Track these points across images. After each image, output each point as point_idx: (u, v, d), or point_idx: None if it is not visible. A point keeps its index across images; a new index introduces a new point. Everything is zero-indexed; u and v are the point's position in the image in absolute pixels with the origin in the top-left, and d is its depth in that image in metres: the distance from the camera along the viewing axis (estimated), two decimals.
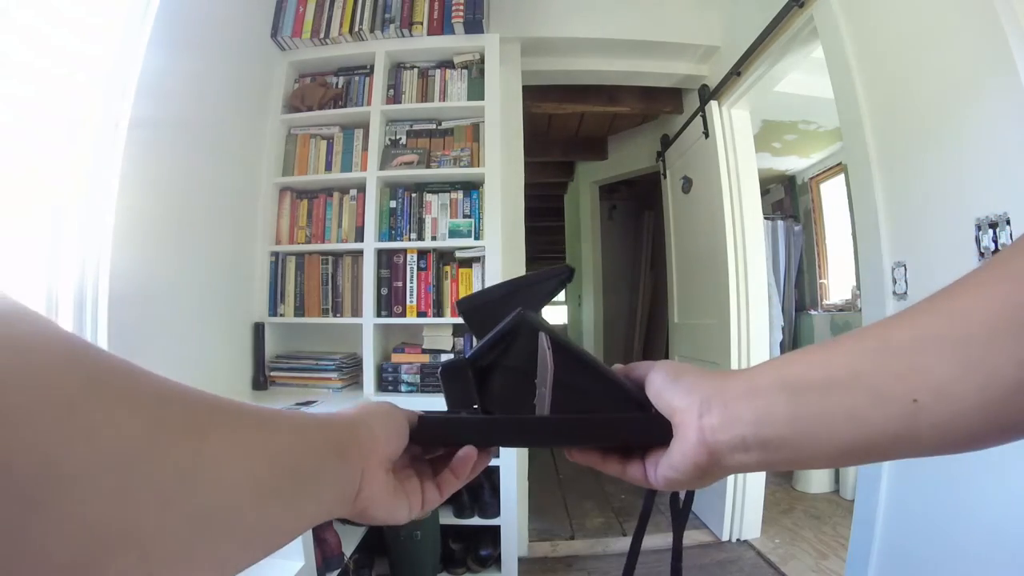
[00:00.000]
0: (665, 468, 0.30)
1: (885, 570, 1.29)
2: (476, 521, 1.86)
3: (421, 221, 1.91)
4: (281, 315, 1.89)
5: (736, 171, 2.26)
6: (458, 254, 1.87)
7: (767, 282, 2.41)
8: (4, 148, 1.01)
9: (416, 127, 2.01)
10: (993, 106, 1.03)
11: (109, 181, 1.15)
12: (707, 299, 2.45)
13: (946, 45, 1.13)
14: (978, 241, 1.05)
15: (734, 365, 2.19)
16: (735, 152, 2.28)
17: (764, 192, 3.20)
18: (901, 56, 1.26)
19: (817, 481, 2.71)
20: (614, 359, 2.36)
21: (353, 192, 1.94)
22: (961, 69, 1.10)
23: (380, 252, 1.88)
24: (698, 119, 2.42)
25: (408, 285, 1.86)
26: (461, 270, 1.85)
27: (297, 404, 1.59)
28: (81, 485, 0.15)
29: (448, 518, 1.86)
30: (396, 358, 1.88)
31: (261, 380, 1.78)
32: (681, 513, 0.39)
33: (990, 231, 1.02)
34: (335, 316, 1.89)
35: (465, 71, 1.99)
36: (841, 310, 3.28)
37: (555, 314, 8.85)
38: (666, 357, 3.05)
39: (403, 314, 1.85)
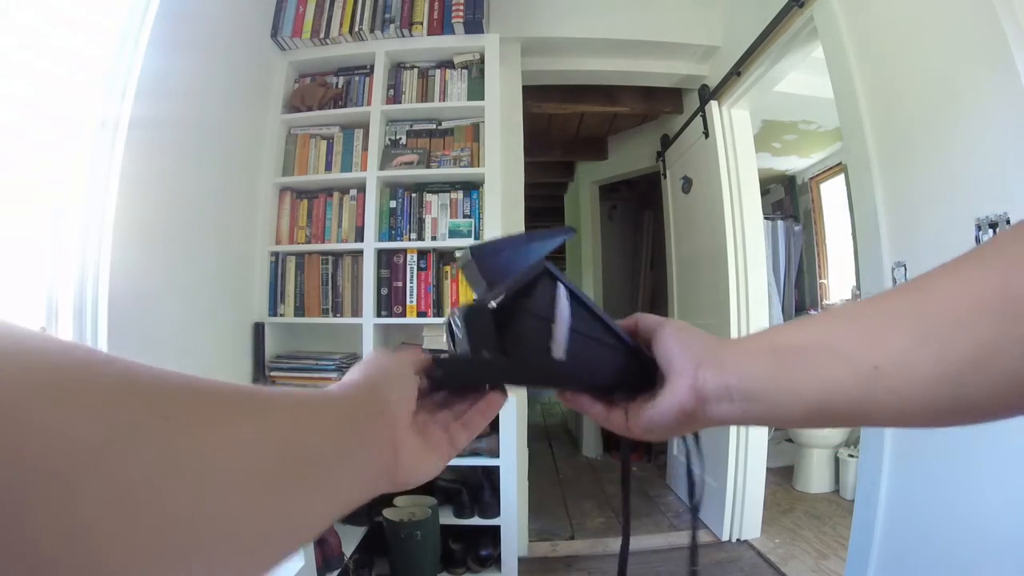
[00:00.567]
0: (650, 411, 0.33)
1: (885, 570, 1.29)
2: (476, 521, 1.86)
3: (421, 221, 1.91)
4: (281, 315, 1.89)
5: (736, 171, 2.26)
6: (458, 254, 1.87)
7: (767, 282, 2.41)
8: (4, 148, 1.01)
9: (416, 127, 2.01)
10: (993, 106, 1.03)
11: (109, 181, 1.15)
12: (707, 299, 2.45)
13: (946, 45, 1.13)
14: (978, 241, 1.05)
15: None
16: (735, 152, 2.28)
17: (764, 192, 3.20)
18: (901, 56, 1.26)
19: (817, 481, 2.71)
20: None
21: (353, 192, 1.94)
22: (961, 69, 1.10)
23: (380, 252, 1.88)
24: (698, 119, 2.42)
25: (408, 285, 1.86)
26: (461, 270, 1.85)
27: None
28: (15, 501, 0.13)
29: (448, 518, 1.86)
30: None
31: (261, 380, 1.78)
32: (692, 509, 0.41)
33: (990, 231, 1.02)
34: (335, 316, 1.89)
35: (465, 71, 1.99)
36: None
37: None
38: None
39: (403, 314, 1.85)
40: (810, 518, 2.41)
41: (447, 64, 2.02)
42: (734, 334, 2.19)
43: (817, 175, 3.55)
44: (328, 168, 1.95)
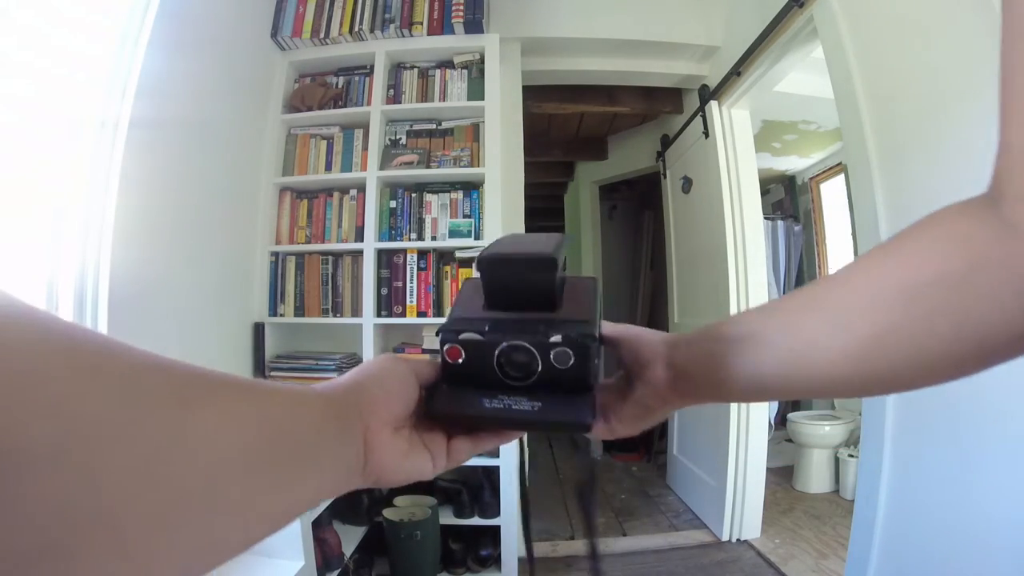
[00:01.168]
0: (632, 407, 0.36)
1: (885, 570, 1.29)
2: (476, 521, 1.86)
3: (421, 221, 1.91)
4: (281, 315, 1.89)
5: (736, 171, 2.26)
6: (458, 254, 1.87)
7: (767, 282, 2.41)
8: (4, 148, 1.01)
9: (416, 127, 2.01)
10: (993, 106, 1.03)
11: (109, 181, 1.15)
12: (707, 299, 2.45)
13: (946, 44, 1.13)
14: None
15: None
16: (735, 152, 2.27)
17: (764, 192, 3.20)
18: (901, 56, 1.26)
19: (817, 481, 2.71)
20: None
21: (353, 192, 1.94)
22: (961, 68, 1.10)
23: (380, 252, 1.88)
24: (698, 119, 2.41)
25: (408, 285, 1.86)
26: (461, 270, 1.85)
27: None
28: (43, 463, 0.14)
29: (448, 518, 1.86)
30: None
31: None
32: (588, 504, 0.40)
33: None
34: (335, 316, 1.89)
35: (465, 71, 1.99)
36: None
37: None
38: None
39: (403, 314, 1.85)
40: (810, 518, 2.41)
41: (447, 64, 2.02)
42: None
43: (817, 175, 3.55)
44: (328, 168, 1.95)
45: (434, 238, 1.89)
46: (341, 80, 2.04)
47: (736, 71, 2.06)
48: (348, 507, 1.86)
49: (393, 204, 1.92)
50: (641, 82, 2.59)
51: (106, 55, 1.18)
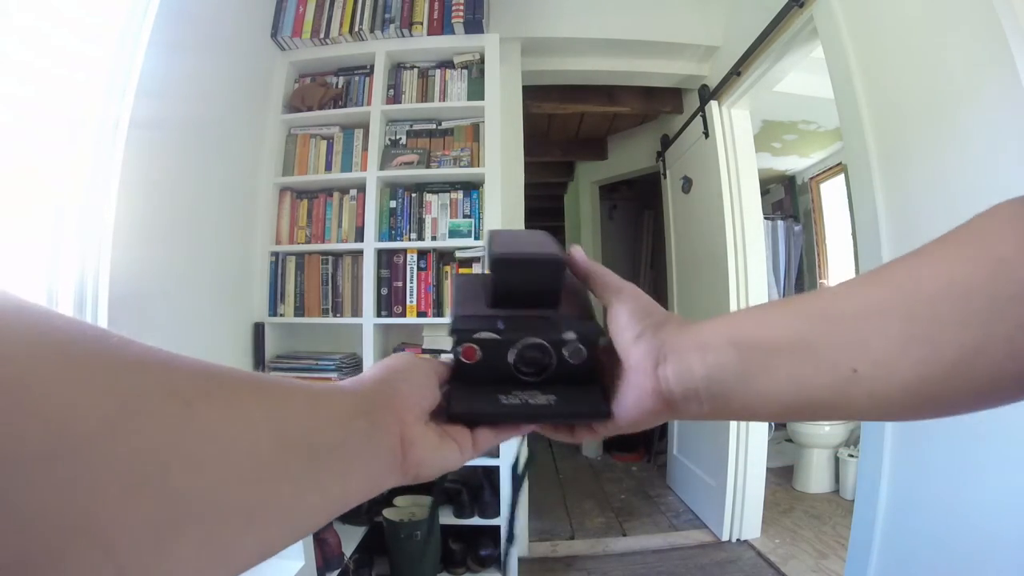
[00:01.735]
0: (616, 414, 0.31)
1: (885, 570, 1.29)
2: (476, 521, 1.86)
3: (421, 221, 1.91)
4: (281, 315, 1.89)
5: (736, 171, 2.26)
6: (458, 254, 1.87)
7: (767, 282, 2.41)
8: (4, 148, 1.01)
9: (416, 127, 2.01)
10: (993, 105, 1.03)
11: (109, 181, 1.15)
12: (707, 299, 2.45)
13: (946, 45, 1.13)
14: None
15: None
16: (735, 152, 2.28)
17: (764, 192, 3.20)
18: (901, 56, 1.26)
19: (817, 481, 2.71)
20: None
21: (353, 192, 1.94)
22: (961, 69, 1.10)
23: (380, 252, 1.88)
24: (698, 119, 2.41)
25: (408, 285, 1.86)
26: (461, 270, 1.85)
27: None
28: (29, 472, 0.13)
29: (448, 518, 1.86)
30: None
31: None
32: (517, 481, 0.40)
33: None
34: (335, 316, 1.89)
35: (465, 71, 1.99)
36: None
37: None
38: None
39: (403, 314, 1.85)
40: (810, 518, 2.41)
41: (447, 64, 2.02)
42: None
43: (817, 175, 3.55)
44: (328, 168, 1.95)
45: (434, 238, 1.89)
46: (341, 80, 2.04)
47: (736, 71, 2.06)
48: None
49: (393, 204, 1.92)
50: (641, 82, 2.59)
51: (106, 55, 1.18)
